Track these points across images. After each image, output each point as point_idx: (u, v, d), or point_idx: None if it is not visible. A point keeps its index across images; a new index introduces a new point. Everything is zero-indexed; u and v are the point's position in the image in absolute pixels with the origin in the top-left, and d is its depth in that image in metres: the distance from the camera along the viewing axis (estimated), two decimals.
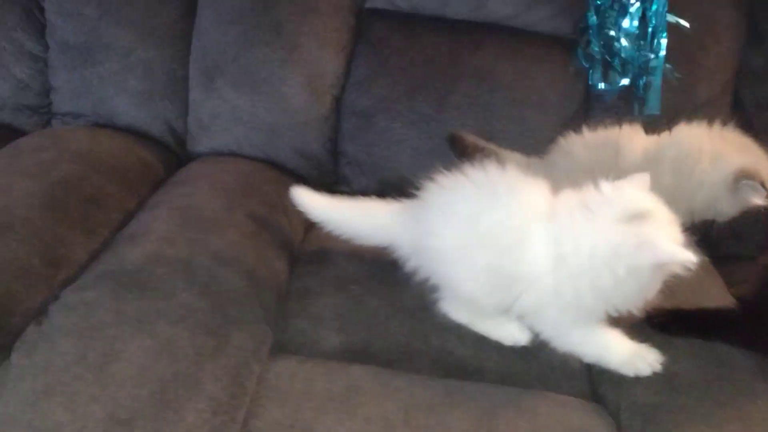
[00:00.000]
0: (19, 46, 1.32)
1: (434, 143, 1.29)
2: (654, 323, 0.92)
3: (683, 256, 0.77)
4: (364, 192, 1.33)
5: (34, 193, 1.00)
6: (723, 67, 1.30)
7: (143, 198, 1.16)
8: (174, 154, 1.34)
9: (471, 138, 1.22)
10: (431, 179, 0.97)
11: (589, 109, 1.31)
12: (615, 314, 0.87)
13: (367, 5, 1.34)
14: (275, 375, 0.83)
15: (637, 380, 0.86)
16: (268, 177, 1.26)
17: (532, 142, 1.27)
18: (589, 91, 1.30)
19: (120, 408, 0.71)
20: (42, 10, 1.32)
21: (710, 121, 1.16)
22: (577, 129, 1.20)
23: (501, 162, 1.13)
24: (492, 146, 1.22)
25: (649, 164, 1.09)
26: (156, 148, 1.32)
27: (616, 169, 1.07)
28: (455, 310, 0.96)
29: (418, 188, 0.98)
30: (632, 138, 1.15)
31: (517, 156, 1.22)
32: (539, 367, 0.92)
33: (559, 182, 1.08)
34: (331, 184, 1.36)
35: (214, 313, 0.86)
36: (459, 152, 1.21)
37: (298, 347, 0.91)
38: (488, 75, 1.28)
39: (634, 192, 0.86)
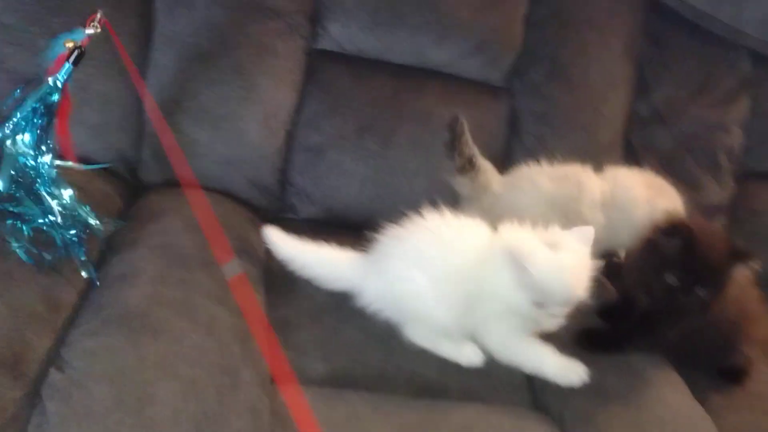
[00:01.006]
0: None
1: (380, 177, 1.43)
2: (582, 344, 1.13)
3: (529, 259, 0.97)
4: (311, 220, 1.46)
5: None
6: (619, 114, 1.55)
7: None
8: (125, 184, 1.38)
9: (466, 135, 1.32)
10: (382, 233, 1.12)
11: (510, 150, 1.50)
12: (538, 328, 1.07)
13: (317, 47, 1.44)
14: (281, 405, 0.93)
15: (574, 392, 1.06)
16: (228, 209, 1.33)
17: None
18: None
19: None
20: None
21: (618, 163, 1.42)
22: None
23: (481, 171, 1.32)
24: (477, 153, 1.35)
25: (605, 206, 1.31)
26: (110, 178, 1.34)
27: (580, 204, 1.29)
28: (419, 336, 1.11)
29: (369, 239, 1.13)
30: (590, 177, 1.34)
31: (489, 166, 1.38)
32: (492, 384, 1.10)
33: (524, 210, 1.27)
34: (278, 211, 1.46)
35: (222, 351, 0.95)
36: (452, 136, 1.31)
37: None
38: (428, 117, 1.44)
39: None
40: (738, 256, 1.05)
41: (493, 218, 1.13)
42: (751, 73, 1.58)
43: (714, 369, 1.21)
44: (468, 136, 1.32)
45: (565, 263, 1.00)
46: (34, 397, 0.84)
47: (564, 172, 1.34)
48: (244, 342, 0.99)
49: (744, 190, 1.58)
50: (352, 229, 1.43)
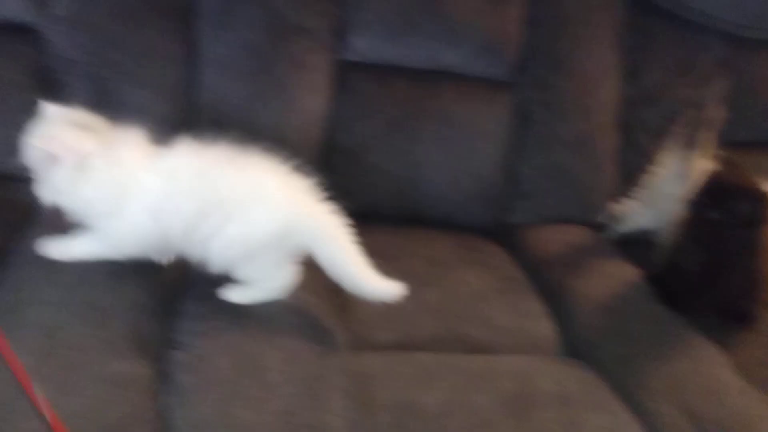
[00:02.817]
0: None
1: (408, 171, 1.60)
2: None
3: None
4: (347, 213, 1.62)
5: None
6: (613, 97, 1.72)
7: None
8: None
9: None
10: None
11: (523, 135, 1.67)
12: None
13: (343, 58, 1.60)
14: (367, 366, 1.10)
15: (607, 339, 1.24)
16: None
17: (483, 164, 1.63)
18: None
19: (284, 403, 0.95)
20: (51, 70, 1.44)
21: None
22: None
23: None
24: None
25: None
26: None
27: None
28: None
29: None
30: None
31: None
32: (530, 340, 1.27)
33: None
34: None
35: (312, 326, 1.11)
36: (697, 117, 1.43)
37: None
38: (448, 115, 1.60)
39: None
40: None
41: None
42: (726, 53, 1.76)
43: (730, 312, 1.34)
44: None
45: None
46: (161, 374, 0.99)
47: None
48: (325, 316, 1.15)
49: None
50: (384, 219, 1.61)
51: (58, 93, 1.43)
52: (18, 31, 1.42)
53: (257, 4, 1.50)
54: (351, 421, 0.96)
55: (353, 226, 1.39)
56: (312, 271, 1.27)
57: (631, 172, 1.68)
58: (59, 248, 1.10)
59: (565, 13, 1.66)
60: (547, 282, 1.45)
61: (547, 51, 1.66)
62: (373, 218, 1.60)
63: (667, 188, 1.48)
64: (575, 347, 1.28)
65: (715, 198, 1.18)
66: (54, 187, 1.02)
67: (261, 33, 1.50)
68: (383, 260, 1.40)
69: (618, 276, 1.45)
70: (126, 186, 1.03)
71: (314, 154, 1.55)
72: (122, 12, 1.44)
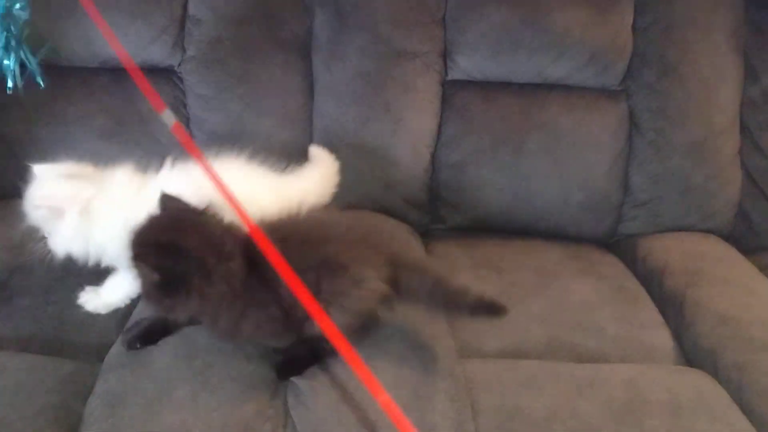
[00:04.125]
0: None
1: (515, 183, 1.63)
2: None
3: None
4: (458, 228, 1.68)
5: None
6: (731, 101, 1.66)
7: None
8: None
9: None
10: None
11: (633, 144, 1.65)
12: None
13: (449, 78, 1.67)
14: (473, 372, 1.14)
15: (723, 346, 1.20)
16: (392, 224, 1.58)
17: (593, 174, 1.63)
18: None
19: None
20: (186, 106, 1.62)
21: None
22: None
23: None
24: None
25: None
26: None
27: None
28: None
29: None
30: None
31: None
32: (644, 350, 1.26)
33: None
34: (429, 223, 1.69)
35: (417, 332, 1.17)
36: None
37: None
38: (553, 126, 1.62)
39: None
40: None
41: None
42: None
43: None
44: None
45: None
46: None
47: None
48: (432, 324, 1.21)
49: None
50: (493, 232, 1.65)
51: (192, 125, 1.61)
52: (160, 71, 1.62)
53: (366, 33, 1.60)
54: (456, 423, 1.02)
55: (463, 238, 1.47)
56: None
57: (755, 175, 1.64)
58: (97, 300, 1.19)
59: (673, 18, 1.63)
60: (666, 291, 1.43)
61: (657, 57, 1.63)
62: (482, 231, 1.66)
63: None
64: (693, 357, 1.25)
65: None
66: (65, 238, 1.09)
67: (370, 60, 1.60)
68: (492, 272, 1.47)
69: (742, 284, 1.40)
70: (130, 221, 1.02)
71: (422, 172, 1.63)
72: (247, 50, 1.60)
